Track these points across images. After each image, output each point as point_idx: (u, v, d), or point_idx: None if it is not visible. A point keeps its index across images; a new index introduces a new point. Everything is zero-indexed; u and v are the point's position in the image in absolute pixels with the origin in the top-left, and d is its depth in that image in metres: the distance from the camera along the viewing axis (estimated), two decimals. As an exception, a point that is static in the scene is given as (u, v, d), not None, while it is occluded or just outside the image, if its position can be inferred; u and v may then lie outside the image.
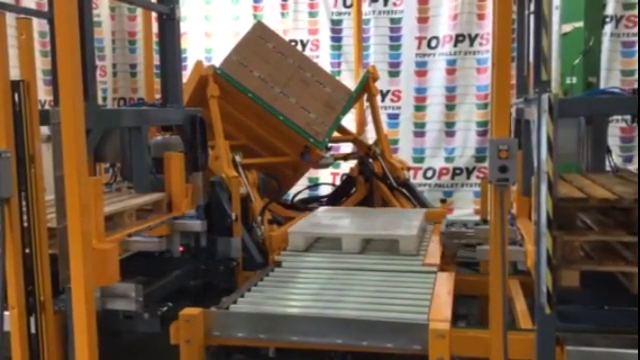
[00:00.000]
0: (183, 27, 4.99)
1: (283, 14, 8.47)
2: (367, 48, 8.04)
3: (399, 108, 8.24)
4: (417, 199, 6.38)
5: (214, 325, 3.20)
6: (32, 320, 2.92)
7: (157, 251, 3.71)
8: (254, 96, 5.70)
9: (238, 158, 5.32)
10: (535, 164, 2.70)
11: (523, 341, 2.82)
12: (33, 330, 2.92)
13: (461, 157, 8.34)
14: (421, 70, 8.17)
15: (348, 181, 6.69)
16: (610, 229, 2.93)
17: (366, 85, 6.55)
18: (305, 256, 4.26)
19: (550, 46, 2.75)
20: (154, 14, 5.16)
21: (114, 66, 8.82)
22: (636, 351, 2.64)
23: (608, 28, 7.49)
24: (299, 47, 8.16)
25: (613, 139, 6.84)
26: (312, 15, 8.40)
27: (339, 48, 8.29)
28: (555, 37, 5.88)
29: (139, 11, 7.84)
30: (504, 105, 2.76)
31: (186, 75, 5.76)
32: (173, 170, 4.04)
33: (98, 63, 7.21)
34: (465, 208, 8.19)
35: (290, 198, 6.80)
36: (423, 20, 8.16)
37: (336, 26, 8.29)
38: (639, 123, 3.55)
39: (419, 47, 8.14)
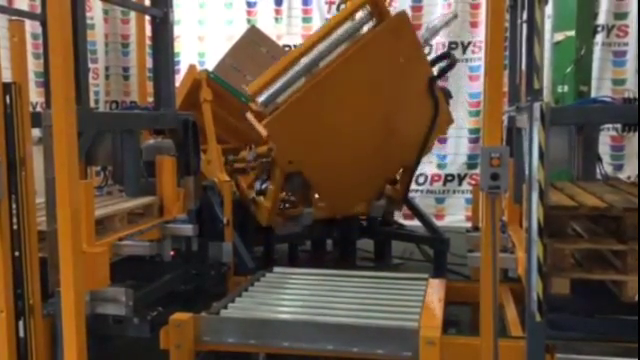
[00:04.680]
0: (176, 30, 4.99)
1: (277, 19, 8.49)
2: (360, 54, 8.06)
3: (392, 114, 8.26)
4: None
5: (204, 330, 3.19)
6: (21, 324, 2.89)
7: (148, 255, 3.69)
8: (247, 101, 5.70)
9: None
10: (526, 172, 2.70)
11: (513, 348, 2.82)
12: (22, 334, 2.89)
13: (453, 164, 8.37)
14: (414, 77, 8.19)
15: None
16: (600, 237, 2.94)
17: (359, 91, 6.55)
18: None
19: (542, 55, 2.76)
20: (147, 17, 5.15)
21: (107, 69, 8.80)
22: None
23: (599, 37, 7.55)
24: (292, 52, 8.16)
25: (603, 147, 6.90)
26: (306, 20, 8.43)
27: (332, 54, 8.30)
28: (547, 46, 5.92)
29: (132, 14, 7.83)
30: (496, 113, 2.77)
31: (179, 79, 5.76)
32: (165, 174, 4.03)
33: (91, 66, 7.18)
34: (456, 215, 8.22)
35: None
36: (416, 27, 8.16)
37: (330, 32, 8.30)
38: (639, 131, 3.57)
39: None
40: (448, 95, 5.73)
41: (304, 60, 4.83)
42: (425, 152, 5.63)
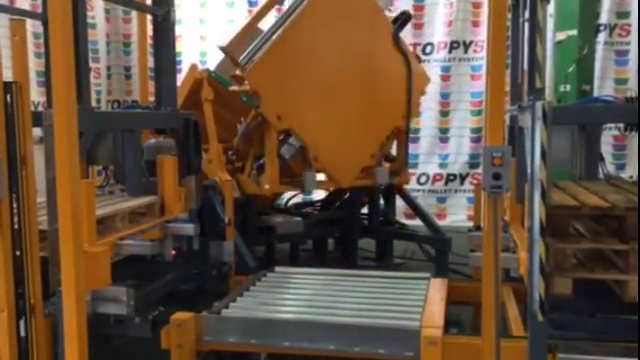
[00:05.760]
0: (178, 30, 5.00)
1: (278, 18, 8.46)
2: (362, 53, 8.05)
3: (393, 114, 8.25)
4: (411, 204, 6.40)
5: (205, 330, 3.18)
6: (22, 323, 2.89)
7: (149, 255, 3.69)
8: (248, 100, 5.70)
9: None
10: (528, 171, 2.70)
11: (515, 348, 2.81)
12: (23, 333, 2.90)
13: (455, 163, 8.36)
14: (415, 76, 8.19)
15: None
16: (603, 237, 2.93)
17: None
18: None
19: (544, 54, 2.75)
20: (149, 16, 5.15)
21: (108, 68, 8.80)
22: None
23: (602, 37, 7.54)
24: (294, 51, 8.16)
25: (606, 147, 6.89)
26: (307, 20, 8.40)
27: (334, 53, 8.29)
28: (549, 45, 5.91)
29: (134, 13, 7.84)
30: (498, 112, 2.77)
31: (180, 78, 5.75)
32: (166, 173, 4.03)
33: (92, 65, 7.17)
34: (458, 214, 8.21)
35: (284, 202, 6.79)
36: (418, 26, 8.19)
37: (331, 31, 8.29)
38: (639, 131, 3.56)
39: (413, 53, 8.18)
40: (417, 58, 6.25)
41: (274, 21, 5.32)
42: (412, 115, 5.98)
